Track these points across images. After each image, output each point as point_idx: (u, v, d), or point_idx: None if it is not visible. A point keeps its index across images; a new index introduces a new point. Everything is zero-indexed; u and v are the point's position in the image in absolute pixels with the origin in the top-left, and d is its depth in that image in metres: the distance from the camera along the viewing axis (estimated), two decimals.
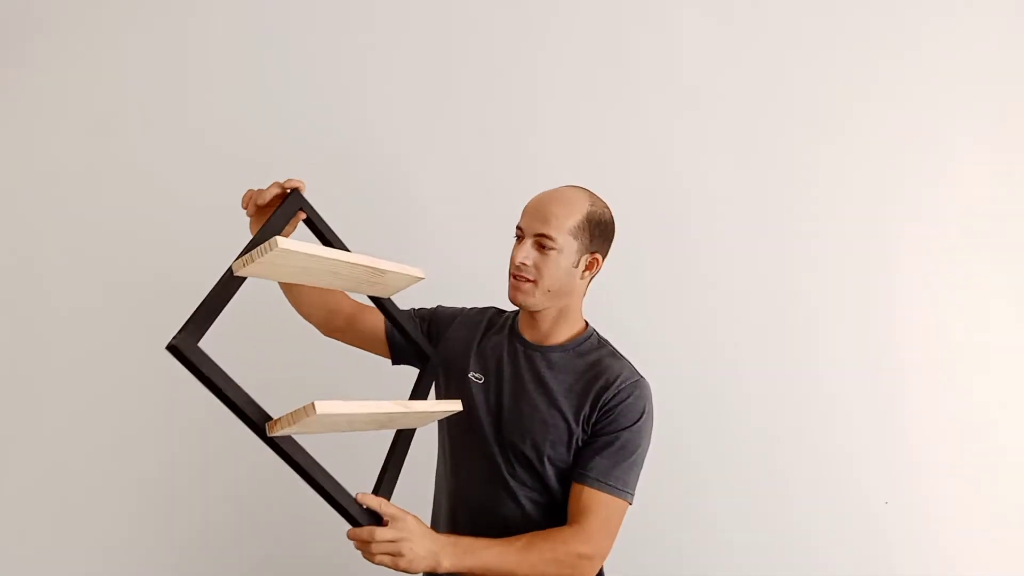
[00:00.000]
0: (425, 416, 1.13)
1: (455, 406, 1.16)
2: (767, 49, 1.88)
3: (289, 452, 0.96)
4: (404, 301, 1.39)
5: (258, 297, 1.48)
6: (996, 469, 1.84)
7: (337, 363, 1.65)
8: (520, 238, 1.20)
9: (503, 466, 1.21)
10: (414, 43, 1.89)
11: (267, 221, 1.06)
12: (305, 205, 1.13)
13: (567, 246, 1.17)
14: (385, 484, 1.08)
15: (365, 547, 1.00)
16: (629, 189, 1.79)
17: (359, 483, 1.09)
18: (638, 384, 1.20)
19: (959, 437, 1.85)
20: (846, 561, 1.85)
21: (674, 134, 1.88)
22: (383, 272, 1.07)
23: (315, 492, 0.98)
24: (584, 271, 1.22)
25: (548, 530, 1.13)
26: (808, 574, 1.85)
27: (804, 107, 1.87)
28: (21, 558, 1.89)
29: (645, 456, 1.21)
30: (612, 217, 1.24)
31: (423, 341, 1.30)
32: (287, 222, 1.09)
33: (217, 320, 0.95)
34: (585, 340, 1.26)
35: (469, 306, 1.41)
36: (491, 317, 1.36)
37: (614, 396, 1.18)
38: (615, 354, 1.26)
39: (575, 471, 1.18)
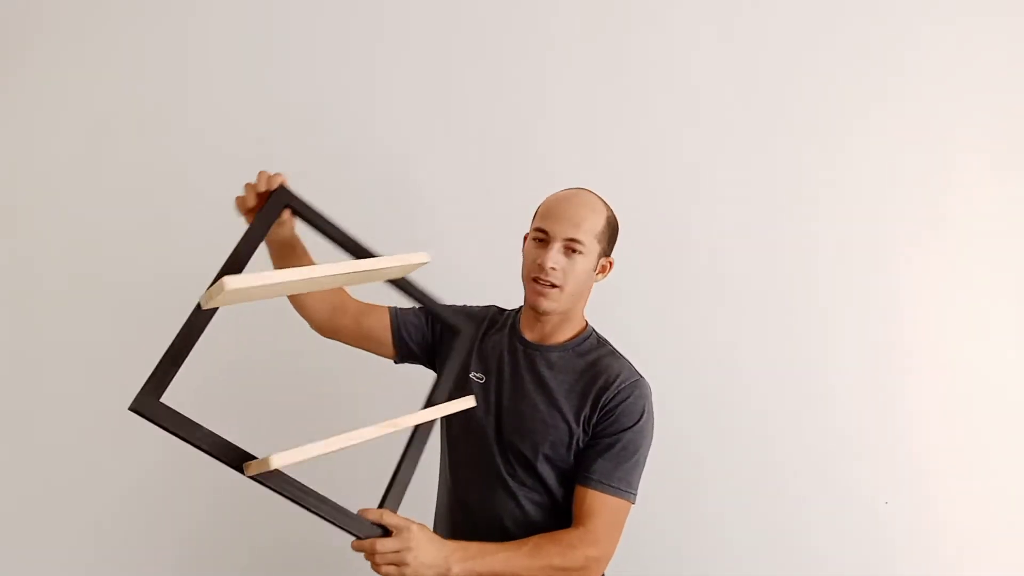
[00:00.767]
0: (436, 411, 1.11)
1: (468, 402, 1.13)
2: (770, 51, 1.87)
3: (276, 487, 0.97)
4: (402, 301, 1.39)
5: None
6: (996, 469, 1.84)
7: (338, 365, 1.65)
8: (544, 242, 1.19)
9: (502, 466, 1.21)
10: (419, 42, 1.89)
11: (247, 229, 1.03)
12: (292, 199, 1.07)
13: (591, 250, 1.20)
14: (392, 495, 1.07)
15: (371, 558, 1.01)
16: (629, 189, 1.79)
17: (366, 493, 1.09)
18: (638, 384, 1.20)
19: (960, 437, 1.84)
20: (846, 561, 1.85)
21: (675, 134, 1.88)
22: (374, 270, 1.02)
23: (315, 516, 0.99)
24: (598, 274, 1.24)
25: (554, 533, 1.14)
26: (808, 574, 1.85)
27: (804, 108, 1.87)
28: (21, 558, 1.89)
29: (647, 456, 1.21)
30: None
31: (457, 318, 1.23)
32: (268, 226, 1.04)
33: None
34: (585, 340, 1.27)
35: (470, 305, 1.40)
36: (492, 316, 1.35)
37: (614, 396, 1.18)
38: (614, 353, 1.26)
39: (578, 473, 1.18)
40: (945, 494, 1.84)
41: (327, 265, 0.97)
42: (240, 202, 1.09)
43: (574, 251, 1.18)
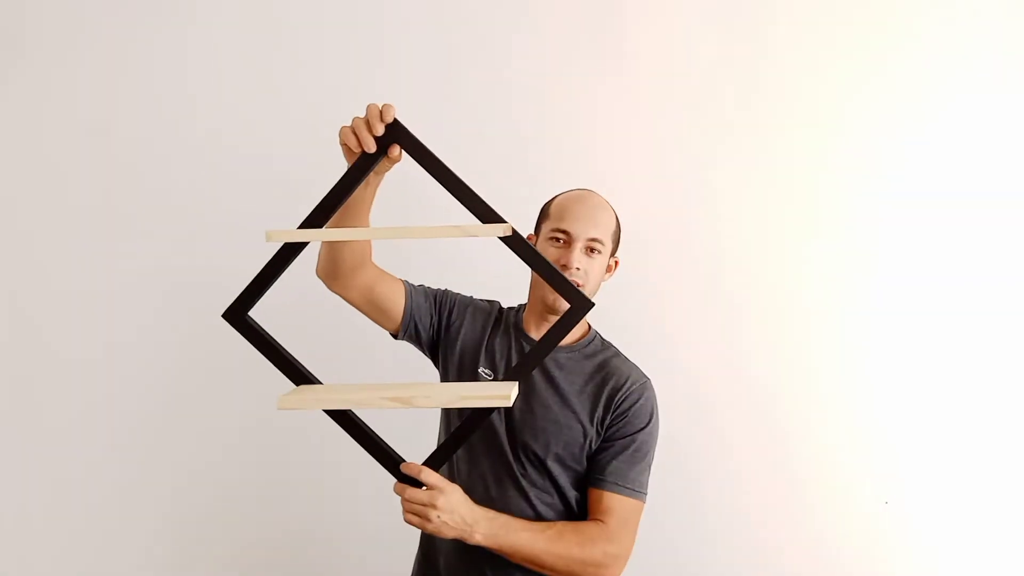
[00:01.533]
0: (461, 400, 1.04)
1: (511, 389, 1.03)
2: (769, 51, 1.88)
3: (336, 417, 1.04)
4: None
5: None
6: (996, 469, 1.84)
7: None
8: (566, 243, 1.20)
9: (514, 465, 1.22)
10: (417, 41, 1.89)
11: (349, 169, 0.99)
12: (402, 136, 0.99)
13: (607, 250, 1.23)
14: (434, 457, 1.10)
15: (403, 503, 1.06)
16: (628, 189, 1.79)
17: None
18: (647, 386, 1.23)
19: (960, 437, 1.84)
20: (846, 561, 1.85)
21: (675, 135, 1.88)
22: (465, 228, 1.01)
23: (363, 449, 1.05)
24: (606, 273, 1.27)
25: (576, 523, 1.17)
26: (808, 574, 1.85)
27: (805, 108, 1.87)
28: (21, 558, 1.88)
29: (654, 456, 1.23)
30: None
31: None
32: (367, 170, 1.00)
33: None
34: (590, 342, 1.28)
35: (477, 297, 1.38)
36: (496, 313, 1.34)
37: (627, 398, 1.20)
38: (620, 355, 1.28)
39: (592, 476, 1.20)
40: (945, 494, 1.84)
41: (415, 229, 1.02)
42: (352, 140, 1.00)
43: (594, 250, 1.21)
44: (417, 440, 1.34)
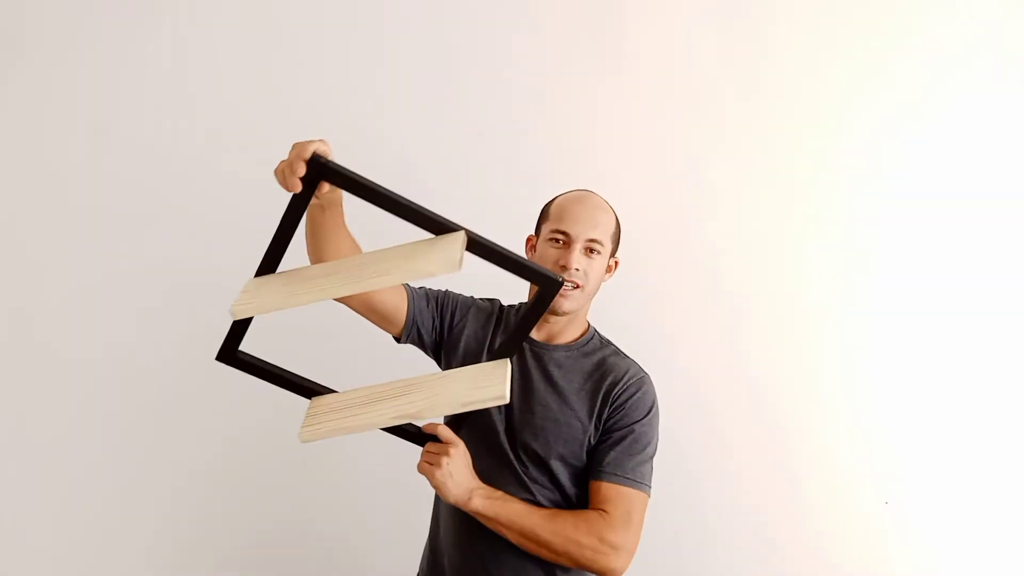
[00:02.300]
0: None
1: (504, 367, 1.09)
2: (769, 51, 1.88)
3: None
4: None
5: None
6: (996, 469, 1.84)
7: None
8: (565, 243, 1.21)
9: (516, 464, 1.22)
10: (416, 41, 1.89)
11: (285, 212, 0.96)
12: (325, 171, 0.93)
13: (606, 251, 1.24)
14: (452, 420, 1.17)
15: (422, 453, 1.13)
16: (628, 189, 1.79)
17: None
18: (645, 379, 1.23)
19: (960, 437, 1.84)
20: (846, 561, 1.85)
21: (675, 134, 1.88)
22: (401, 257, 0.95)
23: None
24: (605, 274, 1.27)
25: (577, 510, 1.18)
26: (808, 574, 1.85)
27: (805, 108, 1.87)
28: (21, 558, 1.88)
29: (655, 452, 1.22)
30: None
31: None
32: (303, 210, 0.96)
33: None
34: (589, 340, 1.28)
35: (478, 297, 1.38)
36: (498, 312, 1.34)
37: (624, 391, 1.20)
38: (619, 352, 1.28)
39: (592, 469, 1.19)
40: (945, 494, 1.84)
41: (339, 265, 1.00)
42: (282, 180, 0.97)
43: (593, 251, 1.21)
44: None
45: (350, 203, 1.04)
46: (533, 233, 1.32)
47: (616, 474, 1.16)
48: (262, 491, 1.90)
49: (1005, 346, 1.84)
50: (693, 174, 1.88)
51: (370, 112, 1.89)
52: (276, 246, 0.98)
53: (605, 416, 1.20)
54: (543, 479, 1.21)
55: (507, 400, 1.02)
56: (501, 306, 1.36)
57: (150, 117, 1.89)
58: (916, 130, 1.86)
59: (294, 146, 0.94)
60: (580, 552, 1.11)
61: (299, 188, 0.93)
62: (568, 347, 1.26)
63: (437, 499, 1.34)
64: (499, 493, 1.14)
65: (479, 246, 0.99)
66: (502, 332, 1.30)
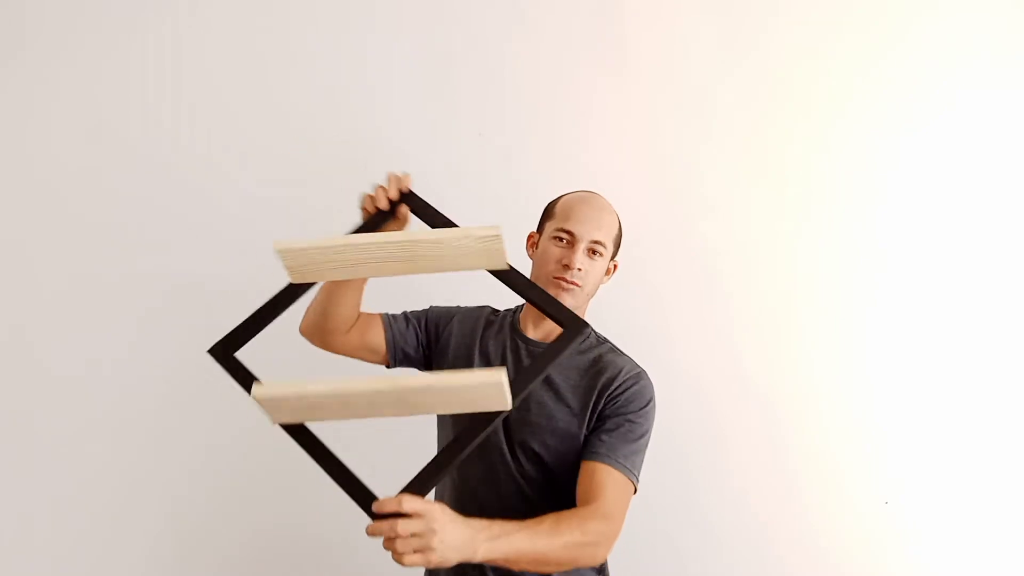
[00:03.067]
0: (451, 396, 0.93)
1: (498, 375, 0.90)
2: (768, 51, 1.87)
3: (302, 442, 0.96)
4: (395, 305, 1.39)
5: None
6: (996, 469, 1.84)
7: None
8: (569, 243, 1.23)
9: (512, 464, 1.22)
10: (416, 40, 1.89)
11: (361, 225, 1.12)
12: (412, 199, 1.13)
13: (608, 253, 1.26)
14: (419, 480, 0.93)
15: (391, 544, 0.89)
16: (628, 189, 1.79)
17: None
18: (641, 375, 1.24)
19: (960, 437, 1.84)
20: (846, 561, 1.85)
21: (674, 134, 1.88)
22: (440, 242, 0.97)
23: (334, 481, 0.94)
24: (605, 275, 1.29)
25: (568, 511, 1.11)
26: (807, 574, 1.85)
27: (804, 108, 1.87)
28: (21, 558, 1.88)
29: (647, 446, 1.22)
30: None
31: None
32: (377, 226, 1.11)
33: None
34: (585, 338, 1.27)
35: (462, 305, 1.40)
36: (487, 316, 1.36)
37: (620, 385, 1.21)
38: (615, 350, 1.29)
39: (585, 451, 1.18)
40: (945, 494, 1.84)
41: (396, 234, 1.03)
42: (368, 201, 1.14)
43: (595, 252, 1.23)
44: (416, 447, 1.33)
45: None
46: (535, 230, 1.33)
47: (610, 456, 1.15)
48: (263, 493, 1.89)
49: (1005, 346, 1.84)
50: (691, 174, 1.87)
51: (369, 111, 1.88)
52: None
53: (600, 408, 1.20)
54: (539, 477, 1.22)
55: (509, 406, 0.94)
56: (493, 310, 1.38)
57: (148, 117, 1.89)
58: (916, 130, 1.86)
59: (390, 175, 1.15)
60: (583, 551, 1.07)
61: (387, 207, 1.12)
62: None
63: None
64: (496, 527, 0.97)
65: (514, 277, 1.05)
66: (495, 334, 1.31)
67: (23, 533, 1.88)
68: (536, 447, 1.21)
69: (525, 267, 1.23)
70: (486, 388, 0.90)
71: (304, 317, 1.28)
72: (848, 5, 1.86)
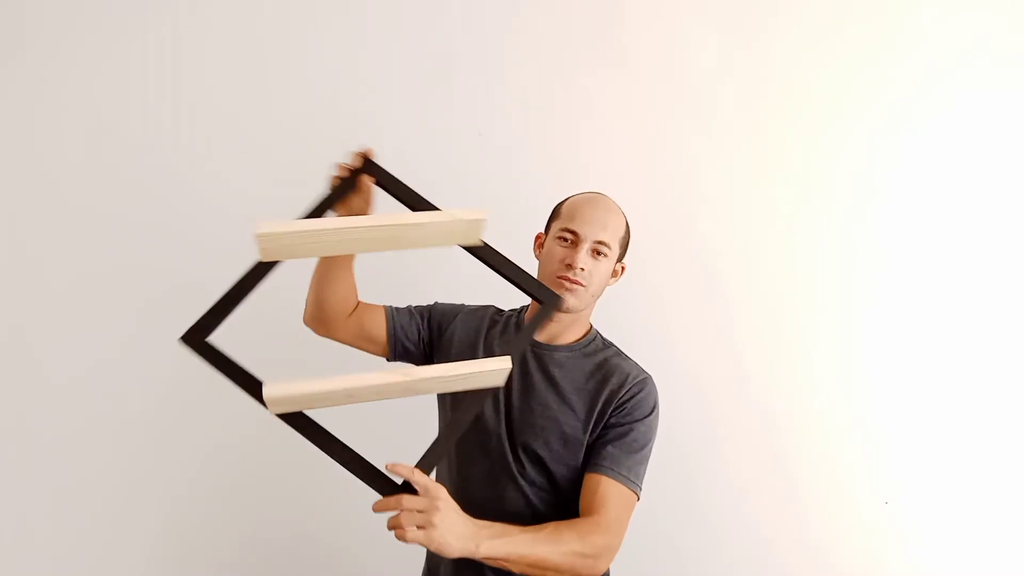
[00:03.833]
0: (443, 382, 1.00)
1: (503, 363, 1.00)
2: (768, 51, 1.87)
3: (301, 429, 0.97)
4: (399, 299, 1.39)
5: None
6: (996, 469, 1.84)
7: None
8: (573, 243, 1.22)
9: (513, 464, 1.22)
10: (416, 40, 1.89)
11: (325, 195, 1.07)
12: (373, 168, 1.09)
13: (613, 254, 1.25)
14: (427, 458, 0.99)
15: (396, 521, 0.92)
16: (627, 188, 1.78)
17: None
18: (648, 381, 1.24)
19: (960, 437, 1.84)
20: (846, 561, 1.85)
21: (674, 134, 1.88)
22: (421, 224, 0.97)
23: (339, 465, 0.97)
24: (611, 277, 1.28)
25: (569, 521, 1.12)
26: (808, 574, 1.85)
27: (804, 108, 1.87)
28: (20, 558, 1.88)
29: (651, 453, 1.22)
30: None
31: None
32: (344, 192, 1.09)
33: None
34: (591, 341, 1.29)
35: (466, 303, 1.40)
36: (492, 315, 1.36)
37: (626, 392, 1.20)
38: (621, 354, 1.29)
39: (589, 462, 1.19)
40: (945, 494, 1.84)
41: (377, 216, 0.98)
42: (335, 181, 1.11)
43: (599, 253, 1.22)
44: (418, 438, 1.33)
45: None
46: (543, 231, 1.33)
47: (613, 469, 1.16)
48: (264, 496, 1.89)
49: (1005, 345, 1.84)
50: (691, 174, 1.87)
51: (369, 111, 1.88)
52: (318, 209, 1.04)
53: (607, 416, 1.20)
54: (540, 480, 1.22)
55: (502, 381, 1.02)
56: (498, 310, 1.37)
57: (147, 117, 1.89)
58: (917, 129, 1.86)
59: (354, 151, 1.11)
60: (583, 562, 1.08)
61: (347, 174, 1.09)
62: (570, 347, 1.27)
63: None
64: (498, 527, 1.00)
65: (489, 254, 1.05)
66: (499, 333, 1.30)
67: (23, 533, 1.88)
68: (539, 449, 1.21)
69: (532, 268, 1.24)
70: (492, 374, 0.97)
71: (305, 308, 1.29)
72: (848, 5, 1.86)
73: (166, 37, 1.88)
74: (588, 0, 1.87)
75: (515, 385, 1.24)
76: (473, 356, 1.28)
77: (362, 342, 1.32)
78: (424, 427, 1.39)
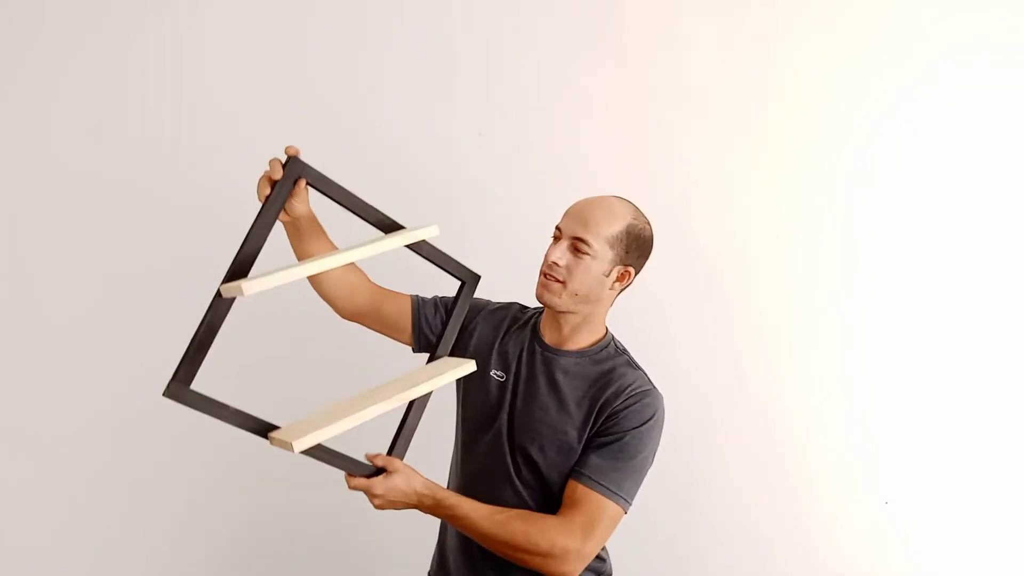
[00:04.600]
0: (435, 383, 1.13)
1: (468, 367, 1.17)
2: (768, 50, 1.87)
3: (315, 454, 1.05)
4: (426, 287, 1.39)
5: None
6: (996, 469, 1.84)
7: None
8: (557, 238, 1.21)
9: (511, 467, 1.22)
10: (415, 39, 1.89)
11: (261, 208, 1.01)
12: (305, 170, 1.05)
13: (602, 254, 1.18)
14: (398, 444, 1.15)
15: (371, 498, 1.09)
16: (626, 189, 1.78)
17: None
18: (649, 393, 1.19)
19: (960, 437, 1.84)
20: (846, 561, 1.85)
21: (675, 135, 1.88)
22: (384, 247, 1.06)
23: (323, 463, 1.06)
24: (615, 282, 1.22)
25: (534, 514, 1.15)
26: (808, 574, 1.85)
27: (804, 108, 1.86)
28: (20, 558, 1.88)
29: (648, 466, 1.19)
30: (652, 235, 1.27)
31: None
32: (283, 202, 1.04)
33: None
34: (603, 348, 1.25)
35: (491, 299, 1.39)
36: (515, 313, 1.34)
37: (621, 403, 1.17)
38: (631, 363, 1.25)
39: (572, 468, 1.18)
40: (945, 494, 1.84)
41: (338, 255, 1.03)
42: (260, 186, 1.06)
43: (579, 251, 1.18)
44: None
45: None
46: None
47: (592, 478, 1.14)
48: (264, 496, 1.89)
49: (1005, 345, 1.84)
50: (691, 175, 1.87)
51: (369, 112, 1.88)
52: (249, 245, 1.02)
53: (599, 424, 1.18)
54: (534, 483, 1.21)
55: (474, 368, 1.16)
56: (520, 307, 1.36)
57: (146, 116, 1.88)
58: (917, 129, 1.85)
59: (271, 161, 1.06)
60: (529, 558, 1.10)
61: (268, 189, 1.04)
62: (580, 353, 1.24)
63: None
64: (447, 493, 1.11)
65: (423, 247, 1.12)
66: (515, 333, 1.30)
67: (23, 533, 1.88)
68: (534, 455, 1.20)
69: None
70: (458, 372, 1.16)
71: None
72: (848, 5, 1.86)
73: (166, 37, 1.88)
74: (588, 0, 1.87)
75: (521, 387, 1.24)
76: (487, 360, 1.27)
77: (387, 330, 1.33)
78: (427, 427, 1.39)
